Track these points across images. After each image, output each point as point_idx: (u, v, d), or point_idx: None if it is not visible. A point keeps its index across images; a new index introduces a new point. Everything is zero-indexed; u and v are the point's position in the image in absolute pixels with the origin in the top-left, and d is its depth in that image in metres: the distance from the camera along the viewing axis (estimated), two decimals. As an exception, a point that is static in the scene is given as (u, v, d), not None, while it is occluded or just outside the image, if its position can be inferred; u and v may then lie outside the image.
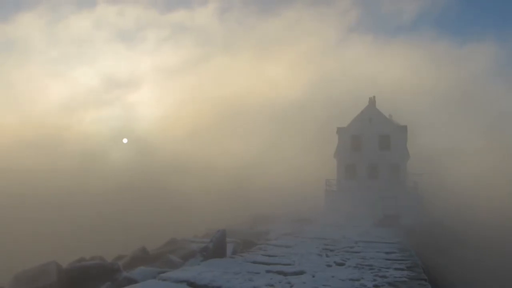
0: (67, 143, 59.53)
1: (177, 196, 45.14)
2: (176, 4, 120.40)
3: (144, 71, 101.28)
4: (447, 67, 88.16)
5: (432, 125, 57.52)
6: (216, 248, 14.41)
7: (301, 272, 10.64)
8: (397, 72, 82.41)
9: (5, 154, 52.80)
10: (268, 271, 10.64)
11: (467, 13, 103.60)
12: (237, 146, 59.34)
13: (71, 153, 56.69)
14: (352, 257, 13.57)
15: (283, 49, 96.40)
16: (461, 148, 54.82)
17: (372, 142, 37.01)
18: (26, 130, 62.25)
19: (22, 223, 32.31)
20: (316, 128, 54.55)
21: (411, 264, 12.54)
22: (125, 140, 66.31)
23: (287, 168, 48.22)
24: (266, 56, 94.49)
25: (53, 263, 11.26)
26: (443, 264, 20.04)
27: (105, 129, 69.41)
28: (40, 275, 10.96)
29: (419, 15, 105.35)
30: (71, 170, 51.22)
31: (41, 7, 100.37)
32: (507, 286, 18.03)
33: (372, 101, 38.50)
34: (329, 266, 11.91)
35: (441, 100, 70.62)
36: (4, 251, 25.42)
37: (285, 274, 10.40)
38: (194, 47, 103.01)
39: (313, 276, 10.17)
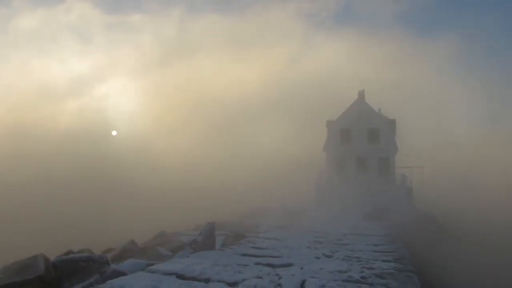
0: (42, 137, 58.67)
1: (167, 190, 45.11)
2: (141, 5, 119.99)
3: (110, 68, 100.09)
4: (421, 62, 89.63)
5: (416, 118, 58.26)
6: (205, 240, 14.42)
7: (290, 264, 10.70)
8: (374, 67, 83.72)
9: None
10: (257, 264, 10.68)
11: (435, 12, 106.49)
12: (226, 140, 59.49)
13: (51, 148, 55.96)
14: (340, 250, 13.68)
15: (258, 49, 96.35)
16: (449, 141, 55.64)
17: (361, 135, 37.19)
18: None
19: (7, 215, 31.99)
20: (306, 121, 54.92)
21: (399, 256, 12.67)
22: (114, 133, 65.79)
23: (277, 162, 48.37)
24: (242, 55, 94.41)
25: (40, 256, 11.16)
26: (431, 256, 20.29)
27: (83, 123, 68.13)
28: (27, 267, 10.86)
29: (395, 13, 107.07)
30: (52, 165, 50.74)
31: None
32: (493, 278, 18.31)
33: (361, 94, 38.63)
34: (317, 258, 11.99)
35: (423, 95, 71.90)
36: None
37: (273, 266, 10.45)
38: (162, 47, 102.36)
39: (302, 268, 10.23)
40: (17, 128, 59.85)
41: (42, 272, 10.45)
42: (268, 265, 10.57)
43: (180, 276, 9.05)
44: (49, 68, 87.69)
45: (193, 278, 8.94)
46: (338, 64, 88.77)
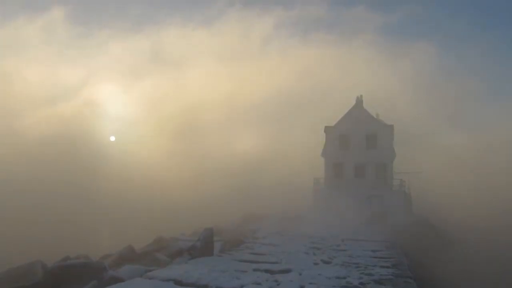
0: (42, 143, 58.29)
1: (166, 195, 45.02)
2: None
3: (93, 77, 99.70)
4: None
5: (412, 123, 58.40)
6: (203, 246, 14.39)
7: (288, 270, 10.69)
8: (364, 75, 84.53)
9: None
10: (255, 269, 10.67)
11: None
12: (227, 147, 59.48)
13: (51, 153, 55.66)
14: (339, 255, 13.67)
15: (244, 58, 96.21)
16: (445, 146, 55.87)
17: (359, 141, 37.19)
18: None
19: (3, 222, 31.84)
20: (304, 127, 55.07)
21: (397, 262, 12.68)
22: (112, 138, 65.57)
23: (276, 167, 48.35)
24: (231, 63, 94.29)
25: (38, 262, 11.12)
26: (429, 261, 20.27)
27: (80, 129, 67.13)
28: (25, 274, 10.81)
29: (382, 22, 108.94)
30: (54, 170, 50.51)
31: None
32: (491, 282, 18.31)
33: (359, 100, 38.68)
34: (316, 264, 11.98)
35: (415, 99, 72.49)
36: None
37: (272, 272, 10.43)
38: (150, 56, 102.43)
39: (300, 274, 10.22)
40: (8, 134, 59.57)
41: (39, 278, 10.42)
42: (267, 271, 10.55)
43: (178, 282, 9.03)
44: (30, 75, 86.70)
45: (191, 284, 8.92)
46: (323, 72, 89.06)
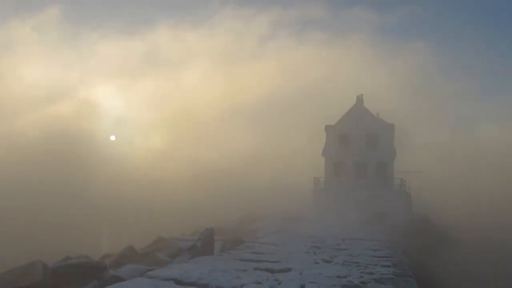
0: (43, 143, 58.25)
1: (166, 195, 45.06)
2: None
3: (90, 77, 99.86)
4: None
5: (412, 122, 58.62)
6: (204, 246, 14.38)
7: (289, 269, 10.68)
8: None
9: None
10: (256, 269, 10.65)
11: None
12: (226, 147, 59.62)
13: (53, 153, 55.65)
14: (339, 255, 13.66)
15: (240, 59, 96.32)
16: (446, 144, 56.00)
17: (360, 140, 37.15)
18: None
19: (4, 222, 31.85)
20: (304, 126, 55.18)
21: (398, 261, 12.67)
22: (112, 138, 65.66)
23: (276, 167, 48.39)
24: (228, 65, 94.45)
25: (38, 262, 11.10)
26: (429, 261, 20.27)
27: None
28: (25, 274, 10.80)
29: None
30: (54, 170, 50.53)
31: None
32: (491, 282, 18.30)
33: (360, 99, 38.63)
34: (316, 263, 11.97)
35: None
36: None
37: (272, 271, 10.42)
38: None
39: (301, 273, 10.22)
40: (8, 134, 59.60)
41: (39, 278, 10.40)
42: (267, 270, 10.54)
43: (178, 282, 9.01)
44: (26, 76, 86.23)
45: (192, 284, 8.91)
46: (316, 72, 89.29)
